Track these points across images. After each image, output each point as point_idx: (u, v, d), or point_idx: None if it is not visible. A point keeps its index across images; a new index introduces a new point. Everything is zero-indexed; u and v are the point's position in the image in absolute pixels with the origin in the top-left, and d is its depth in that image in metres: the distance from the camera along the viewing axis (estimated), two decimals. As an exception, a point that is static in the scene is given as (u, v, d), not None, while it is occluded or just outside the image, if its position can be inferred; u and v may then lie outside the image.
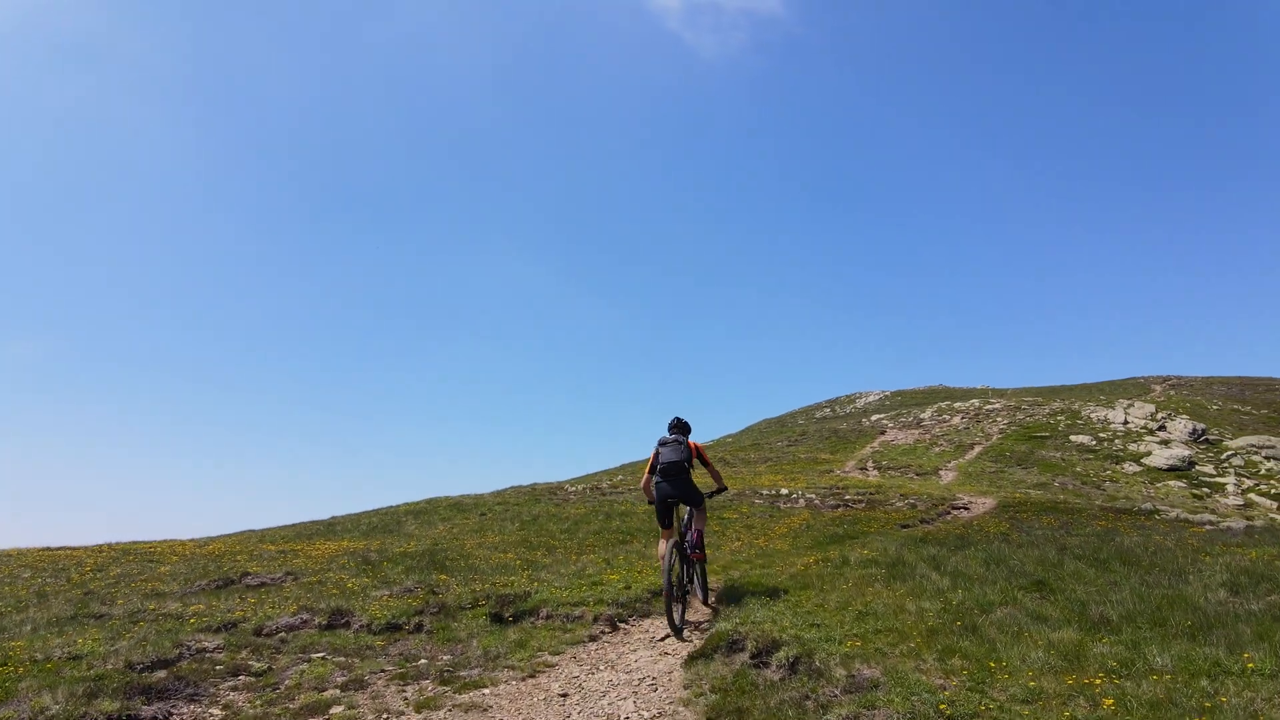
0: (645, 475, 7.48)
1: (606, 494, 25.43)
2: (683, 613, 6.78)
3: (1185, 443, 29.77)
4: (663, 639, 6.31)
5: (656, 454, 7.36)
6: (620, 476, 33.92)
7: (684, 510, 7.56)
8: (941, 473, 27.76)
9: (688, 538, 7.26)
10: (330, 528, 22.18)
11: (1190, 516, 11.99)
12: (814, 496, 20.59)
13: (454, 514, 22.73)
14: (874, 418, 45.47)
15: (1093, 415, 34.48)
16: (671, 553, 6.68)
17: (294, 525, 25.78)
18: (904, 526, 13.60)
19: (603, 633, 6.45)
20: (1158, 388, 54.56)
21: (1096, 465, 27.70)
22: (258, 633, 6.92)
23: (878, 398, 72.19)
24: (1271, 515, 22.82)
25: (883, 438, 37.92)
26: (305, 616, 7.17)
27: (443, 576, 8.38)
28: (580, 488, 28.11)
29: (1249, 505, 23.92)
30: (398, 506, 27.98)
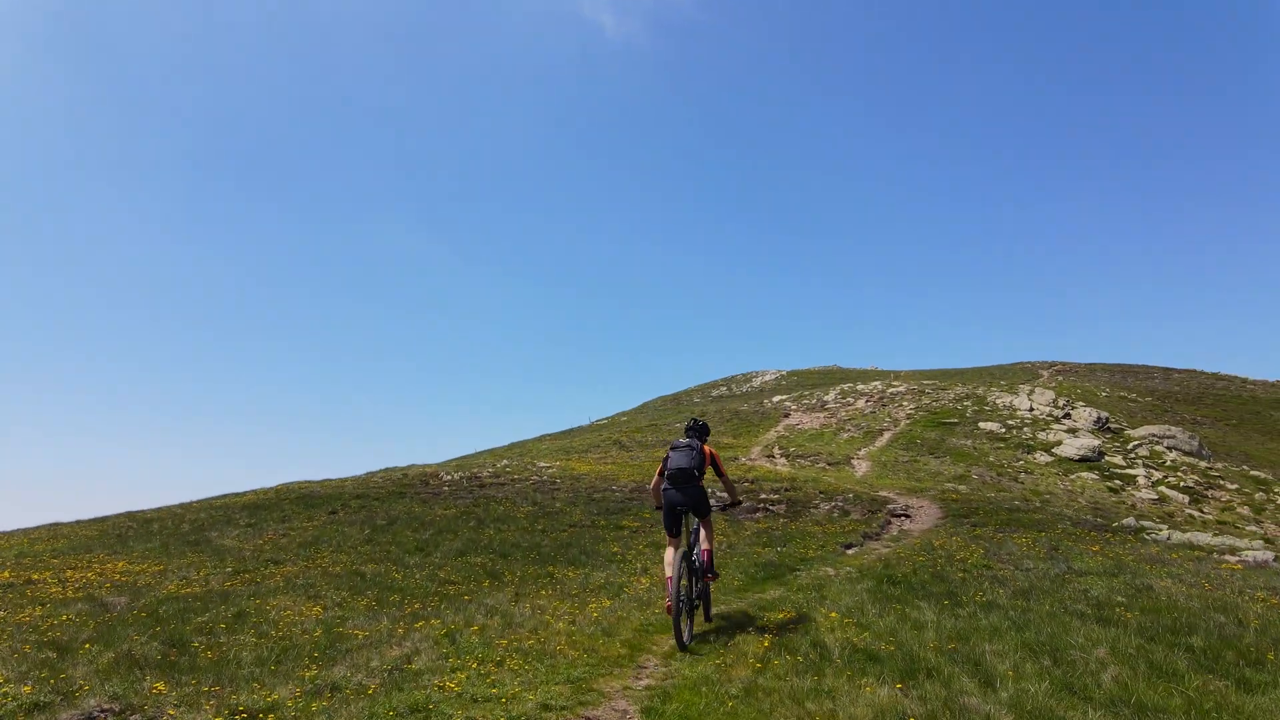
0: (655, 478, 7.01)
1: (486, 486, 22.01)
2: (690, 628, 6.35)
3: (1092, 432, 29.04)
4: None
5: (666, 458, 6.86)
6: (505, 461, 30.24)
7: (692, 520, 7.04)
8: (854, 462, 25.81)
9: (696, 554, 6.76)
10: (145, 527, 17.83)
11: (1196, 540, 9.89)
12: (726, 495, 17.95)
13: (299, 510, 18.79)
14: (776, 399, 43.69)
15: (998, 401, 33.59)
16: (680, 565, 6.27)
17: (104, 519, 21.09)
18: (847, 547, 10.98)
19: None
20: (1045, 373, 55.46)
21: (1009, 455, 26.42)
22: None
23: (774, 377, 71.21)
24: (1188, 511, 21.94)
25: (787, 421, 36.02)
26: None
27: (159, 687, 4.96)
28: (457, 476, 24.48)
29: (1162, 500, 23.05)
30: (242, 495, 23.61)
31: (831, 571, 9.02)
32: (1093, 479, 24.03)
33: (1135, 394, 44.39)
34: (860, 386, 43.42)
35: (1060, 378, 51.56)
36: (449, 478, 24.30)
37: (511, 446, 47.17)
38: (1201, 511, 22.36)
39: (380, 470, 33.04)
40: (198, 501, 22.70)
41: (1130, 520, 11.06)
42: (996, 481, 23.18)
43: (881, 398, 38.45)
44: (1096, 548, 9.34)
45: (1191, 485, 24.41)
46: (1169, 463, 26.89)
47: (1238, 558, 8.42)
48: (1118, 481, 24.08)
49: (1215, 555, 8.69)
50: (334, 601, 7.74)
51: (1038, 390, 35.91)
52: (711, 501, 7.59)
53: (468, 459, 38.73)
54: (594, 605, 7.32)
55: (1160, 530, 10.44)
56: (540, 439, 48.58)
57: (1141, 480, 24.35)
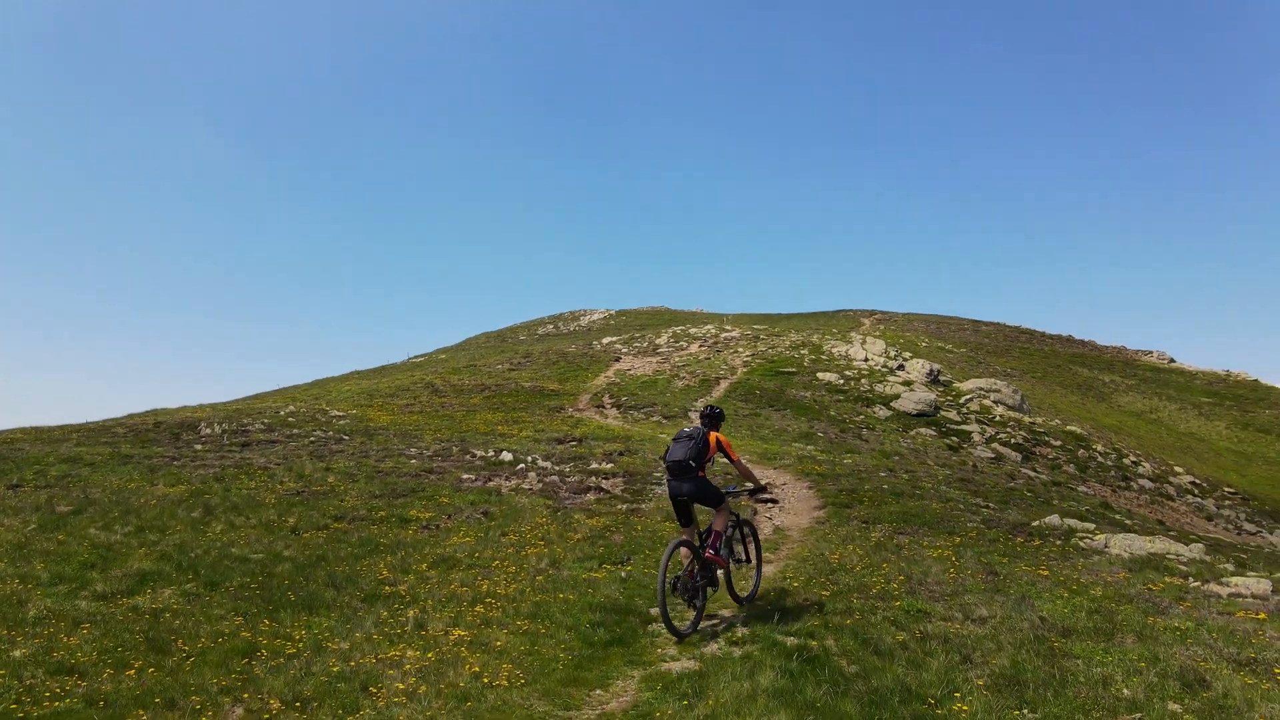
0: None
1: (250, 445, 17.43)
2: (698, 617, 6.20)
3: (926, 385, 28.54)
4: None
5: (668, 448, 6.66)
6: (293, 406, 25.09)
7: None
8: (691, 414, 23.47)
9: (707, 538, 6.60)
10: None
11: (1138, 547, 7.89)
12: (549, 464, 14.67)
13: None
14: (606, 341, 40.92)
15: (834, 350, 32.66)
16: (678, 549, 6.20)
17: None
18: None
19: None
20: (866, 321, 56.56)
21: (849, 408, 25.16)
22: None
23: (602, 316, 68.72)
24: (1026, 472, 21.48)
25: (618, 365, 33.32)
26: None
27: None
28: (219, 429, 19.55)
29: (999, 459, 22.55)
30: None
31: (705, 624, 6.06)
32: (932, 435, 23.16)
33: (950, 345, 45.75)
34: (693, 330, 41.58)
35: (881, 326, 52.57)
36: (209, 431, 19.35)
37: (313, 385, 41.46)
38: (1035, 471, 22.05)
39: (142, 413, 26.84)
40: None
41: (1054, 519, 9.06)
42: (841, 439, 21.66)
43: (715, 343, 36.69)
44: (1046, 571, 7.06)
45: (1021, 442, 24.22)
46: (998, 418, 26.80)
47: (1231, 590, 6.39)
48: (955, 438, 23.37)
49: (1194, 583, 6.62)
50: None
51: (870, 340, 35.47)
52: (731, 486, 7.03)
53: (255, 400, 32.92)
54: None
55: (1093, 534, 8.49)
56: (348, 377, 43.15)
57: (976, 437, 23.82)
